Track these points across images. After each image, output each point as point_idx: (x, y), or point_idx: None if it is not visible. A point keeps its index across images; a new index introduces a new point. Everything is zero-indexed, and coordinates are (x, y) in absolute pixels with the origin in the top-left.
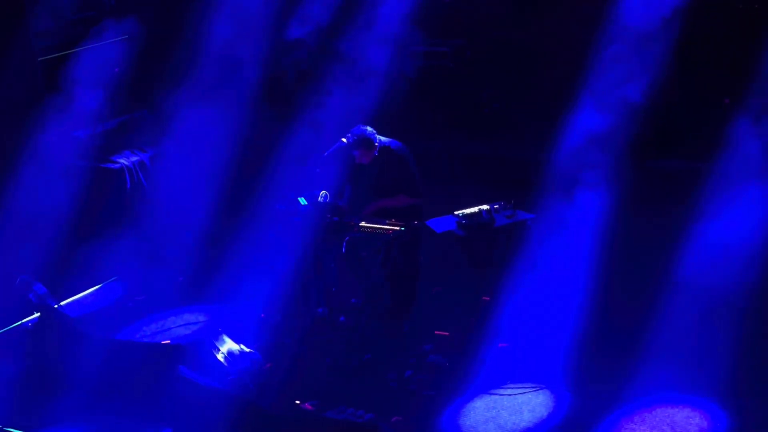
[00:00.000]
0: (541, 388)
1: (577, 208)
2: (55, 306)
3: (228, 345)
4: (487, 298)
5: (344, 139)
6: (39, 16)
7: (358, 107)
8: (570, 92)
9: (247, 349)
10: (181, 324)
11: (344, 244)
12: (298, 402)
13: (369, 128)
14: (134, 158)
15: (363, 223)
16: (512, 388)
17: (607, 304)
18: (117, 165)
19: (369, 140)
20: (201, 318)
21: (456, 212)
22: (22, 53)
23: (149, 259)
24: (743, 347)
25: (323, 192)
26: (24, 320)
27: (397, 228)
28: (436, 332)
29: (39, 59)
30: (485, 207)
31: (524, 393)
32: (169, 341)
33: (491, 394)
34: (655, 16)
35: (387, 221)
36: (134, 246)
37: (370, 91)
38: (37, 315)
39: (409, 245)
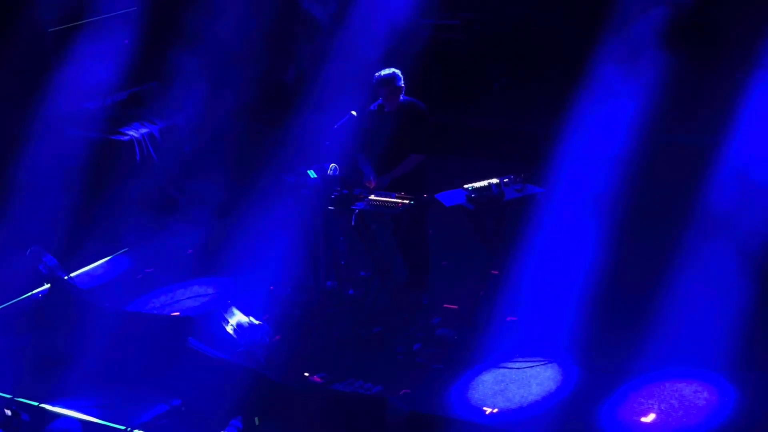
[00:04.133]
0: (550, 362)
1: (586, 182)
2: (65, 277)
3: (237, 317)
4: (496, 272)
5: (354, 112)
6: None
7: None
8: (580, 65)
9: (256, 322)
10: (191, 296)
11: (353, 217)
12: (306, 374)
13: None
14: (144, 130)
15: (372, 196)
16: (521, 361)
17: (616, 278)
18: (126, 137)
19: (396, 76)
20: (210, 290)
21: (465, 186)
22: (32, 24)
23: (159, 232)
24: (752, 320)
25: (332, 165)
26: (34, 291)
27: (407, 201)
28: (445, 306)
29: (49, 30)
30: (495, 181)
31: (533, 367)
32: (178, 313)
33: (500, 367)
34: None
35: (396, 194)
36: (144, 218)
37: (380, 65)
38: (47, 286)
39: (418, 218)
